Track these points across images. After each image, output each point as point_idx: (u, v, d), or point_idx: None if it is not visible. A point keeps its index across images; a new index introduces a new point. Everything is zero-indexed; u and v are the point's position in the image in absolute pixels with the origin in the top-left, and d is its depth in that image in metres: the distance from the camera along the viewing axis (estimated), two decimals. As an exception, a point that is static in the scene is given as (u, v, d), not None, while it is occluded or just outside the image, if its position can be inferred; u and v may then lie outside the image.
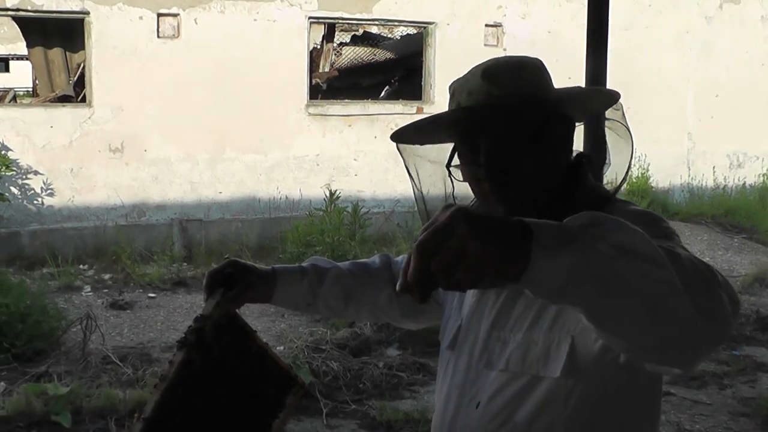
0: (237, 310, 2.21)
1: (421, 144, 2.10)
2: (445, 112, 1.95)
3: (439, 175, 2.08)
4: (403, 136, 2.07)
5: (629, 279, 1.33)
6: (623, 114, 1.99)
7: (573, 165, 1.97)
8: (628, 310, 1.36)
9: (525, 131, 1.87)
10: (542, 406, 1.85)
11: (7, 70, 32.69)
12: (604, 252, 1.32)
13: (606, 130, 2.04)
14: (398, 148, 2.11)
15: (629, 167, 2.02)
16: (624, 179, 2.00)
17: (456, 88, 1.97)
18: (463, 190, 2.04)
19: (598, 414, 1.85)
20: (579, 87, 2.04)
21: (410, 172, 2.13)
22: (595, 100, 2.07)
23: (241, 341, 2.20)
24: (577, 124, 2.01)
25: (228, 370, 2.16)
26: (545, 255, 1.29)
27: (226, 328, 2.16)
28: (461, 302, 2.13)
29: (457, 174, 1.99)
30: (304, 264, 2.39)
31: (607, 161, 2.04)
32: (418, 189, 2.14)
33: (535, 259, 1.28)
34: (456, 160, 1.98)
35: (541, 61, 1.99)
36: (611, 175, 2.05)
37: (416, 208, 2.17)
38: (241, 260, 2.26)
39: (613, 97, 1.97)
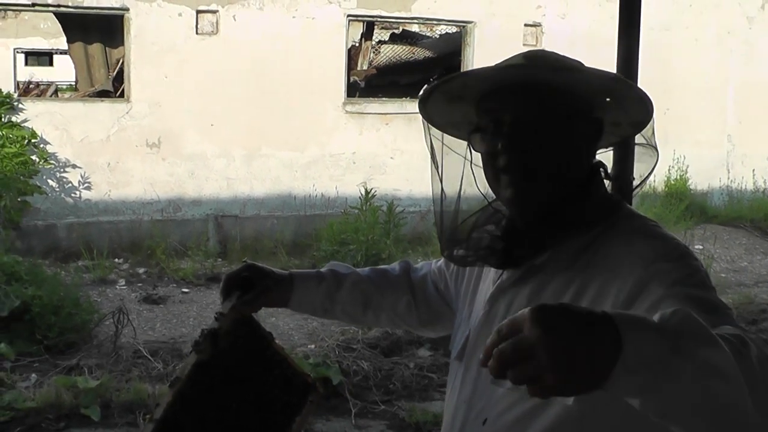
0: (253, 314, 2.20)
1: (444, 120, 2.00)
2: (475, 69, 1.89)
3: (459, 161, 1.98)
4: (430, 103, 1.96)
5: (703, 399, 1.29)
6: (653, 132, 1.92)
7: (592, 171, 1.91)
8: (694, 421, 1.32)
9: (551, 118, 1.80)
10: (553, 428, 1.78)
11: (51, 64, 32.97)
12: (688, 372, 1.27)
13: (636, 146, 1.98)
14: (423, 118, 2.00)
15: (646, 179, 1.97)
16: (639, 186, 1.96)
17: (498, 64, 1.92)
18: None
19: None
20: (612, 75, 1.87)
21: (433, 147, 2.02)
22: (632, 109, 1.89)
23: (256, 345, 2.18)
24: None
25: (242, 373, 2.15)
26: (625, 376, 1.24)
27: (241, 332, 2.15)
28: (470, 311, 2.08)
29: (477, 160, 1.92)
30: (322, 269, 2.37)
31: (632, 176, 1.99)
32: (437, 165, 2.02)
33: (615, 379, 1.24)
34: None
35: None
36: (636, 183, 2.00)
37: (431, 188, 2.04)
38: (258, 264, 2.24)
39: (647, 108, 1.85)
